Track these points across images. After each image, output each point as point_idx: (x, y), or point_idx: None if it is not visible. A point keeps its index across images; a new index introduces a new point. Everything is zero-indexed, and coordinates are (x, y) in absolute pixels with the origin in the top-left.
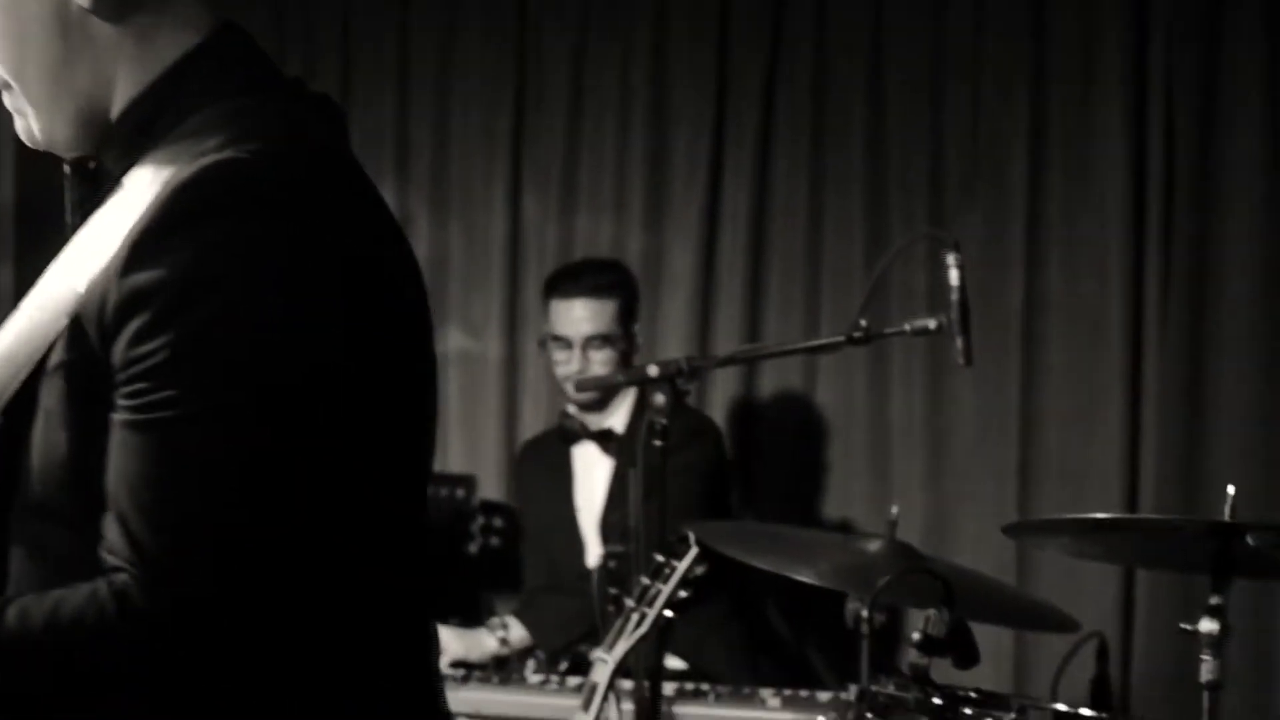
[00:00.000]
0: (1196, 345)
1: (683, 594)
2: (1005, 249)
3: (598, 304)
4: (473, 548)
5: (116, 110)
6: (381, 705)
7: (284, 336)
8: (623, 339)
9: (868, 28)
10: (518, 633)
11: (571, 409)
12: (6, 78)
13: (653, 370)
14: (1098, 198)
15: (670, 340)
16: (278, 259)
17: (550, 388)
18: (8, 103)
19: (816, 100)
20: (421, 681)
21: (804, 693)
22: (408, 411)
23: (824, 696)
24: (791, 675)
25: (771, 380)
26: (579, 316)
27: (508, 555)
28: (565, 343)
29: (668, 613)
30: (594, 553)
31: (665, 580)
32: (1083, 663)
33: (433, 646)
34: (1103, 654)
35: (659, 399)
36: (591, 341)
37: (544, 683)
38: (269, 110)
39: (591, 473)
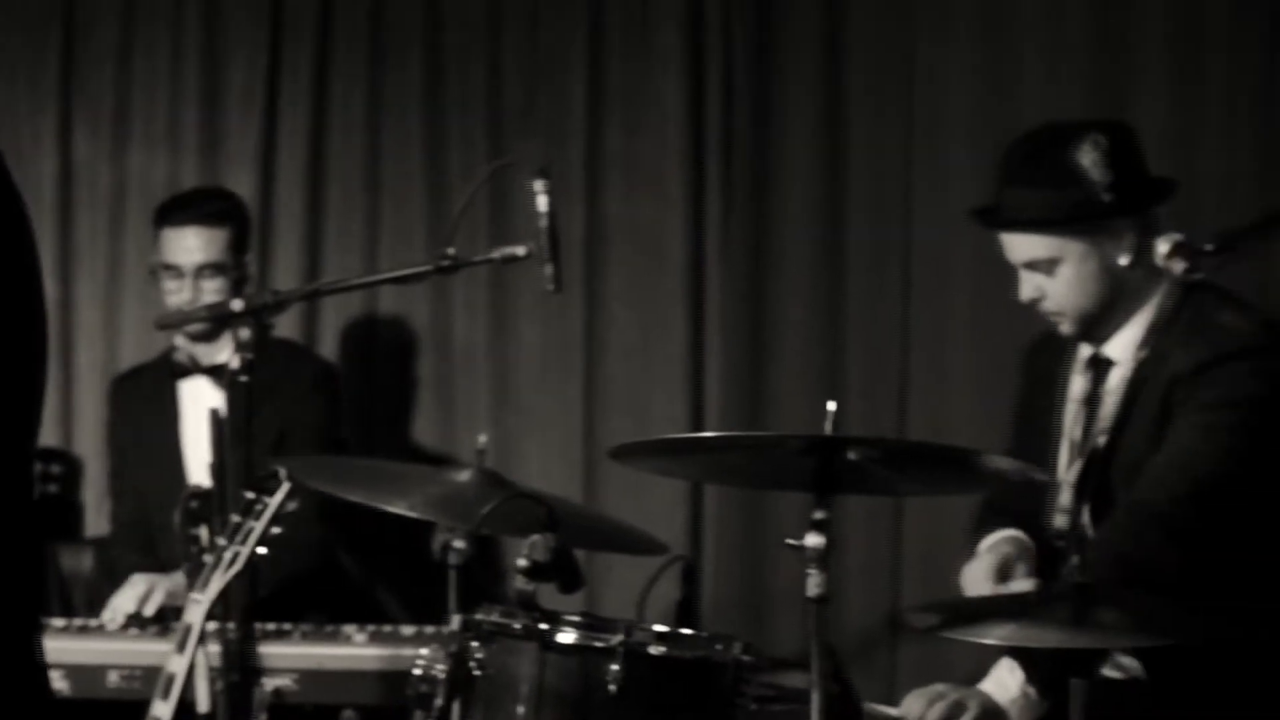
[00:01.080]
0: (758, 266)
1: (275, 530)
2: (564, 175)
3: (209, 232)
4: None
5: None
6: None
7: None
8: (235, 268)
9: None
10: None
11: (180, 341)
12: None
13: (237, 305)
14: (657, 122)
15: None
16: None
17: (106, 329)
18: None
19: (373, 25)
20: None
21: (388, 628)
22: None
23: (408, 631)
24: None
25: (336, 311)
26: (190, 245)
27: (67, 501)
28: (176, 271)
29: (261, 550)
30: None
31: (257, 517)
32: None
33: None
34: (689, 575)
35: (244, 334)
36: (203, 271)
37: (125, 628)
38: None
39: (201, 409)
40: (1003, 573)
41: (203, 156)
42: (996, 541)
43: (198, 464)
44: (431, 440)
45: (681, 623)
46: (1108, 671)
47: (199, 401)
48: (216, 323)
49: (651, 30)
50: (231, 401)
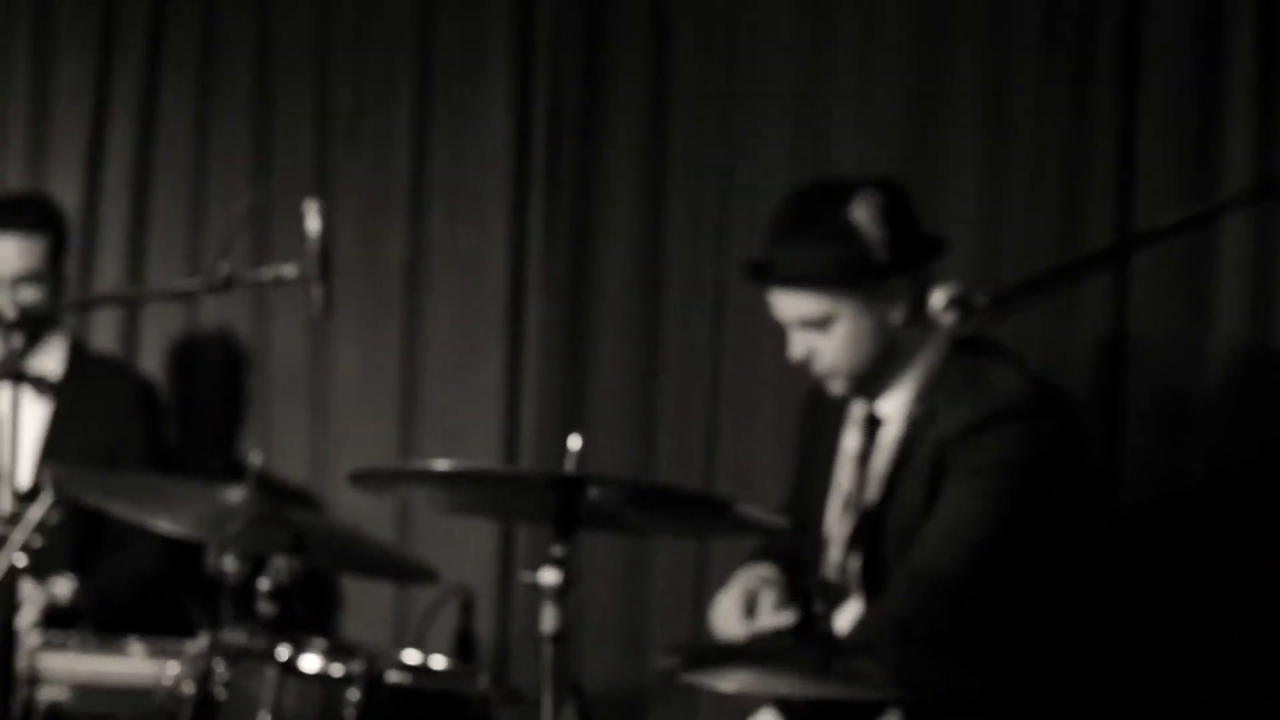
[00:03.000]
0: (578, 294)
1: (35, 541)
2: (388, 196)
3: (27, 241)
4: None
5: None
6: None
7: None
8: (53, 276)
9: None
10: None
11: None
12: None
13: (9, 311)
14: (481, 144)
15: None
16: None
17: None
18: None
19: (202, 35)
20: None
21: (172, 641)
22: None
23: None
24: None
25: (153, 323)
26: (7, 254)
27: None
28: None
29: (19, 561)
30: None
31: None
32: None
33: None
34: (467, 607)
35: (15, 341)
36: (20, 280)
37: None
38: None
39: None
40: (749, 603)
41: (28, 160)
42: (746, 574)
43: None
44: (245, 458)
45: (462, 656)
46: None
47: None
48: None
49: (480, 52)
50: (55, 413)
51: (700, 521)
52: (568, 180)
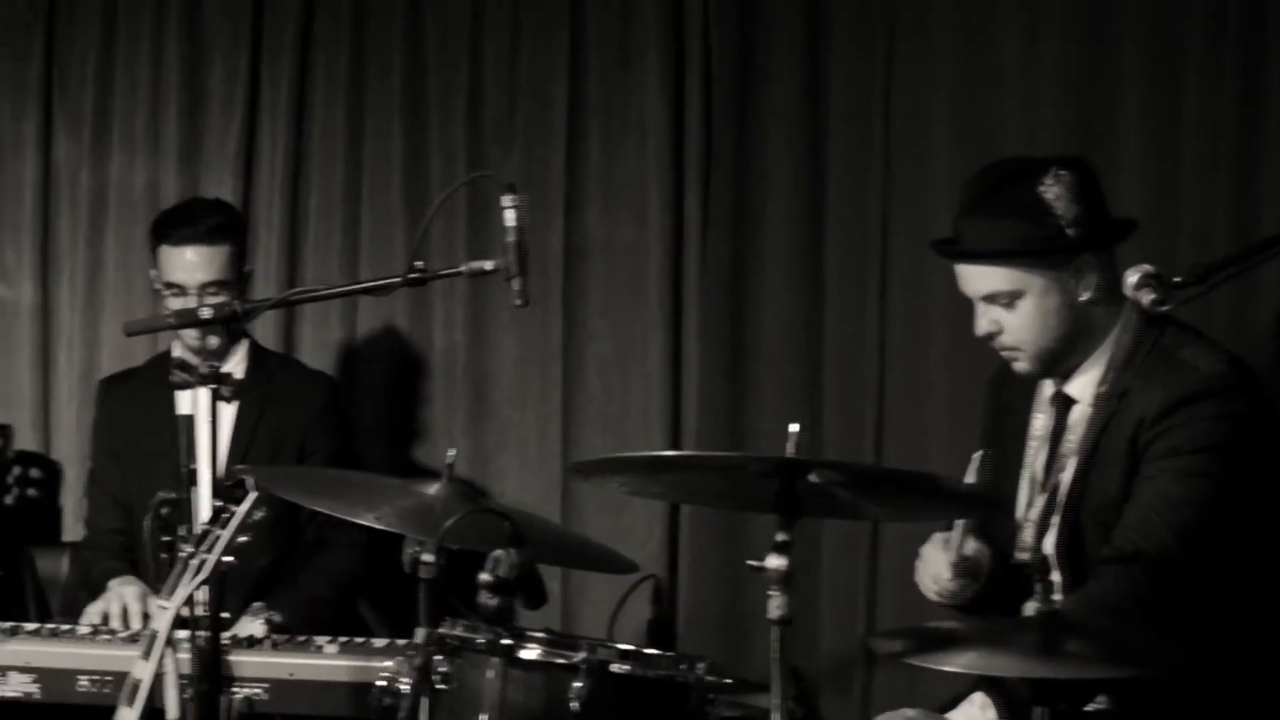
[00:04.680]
0: (736, 284)
1: (242, 539)
2: (545, 191)
3: (211, 249)
4: (9, 499)
5: None
6: None
7: None
8: (237, 283)
9: None
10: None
11: (178, 350)
12: None
13: (205, 313)
14: (637, 140)
15: None
16: None
17: (85, 334)
18: None
19: (354, 34)
20: None
21: (359, 640)
22: None
23: (379, 643)
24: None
25: (313, 322)
26: (193, 263)
27: (46, 506)
28: (180, 290)
29: (227, 559)
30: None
31: (224, 525)
32: (632, 604)
33: None
34: (660, 595)
35: (213, 341)
36: (207, 288)
37: (94, 633)
38: None
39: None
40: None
41: (182, 162)
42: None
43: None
44: (410, 452)
45: (654, 642)
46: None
47: (189, 409)
48: (193, 329)
49: (633, 45)
50: (242, 413)
51: (912, 502)
52: (725, 168)
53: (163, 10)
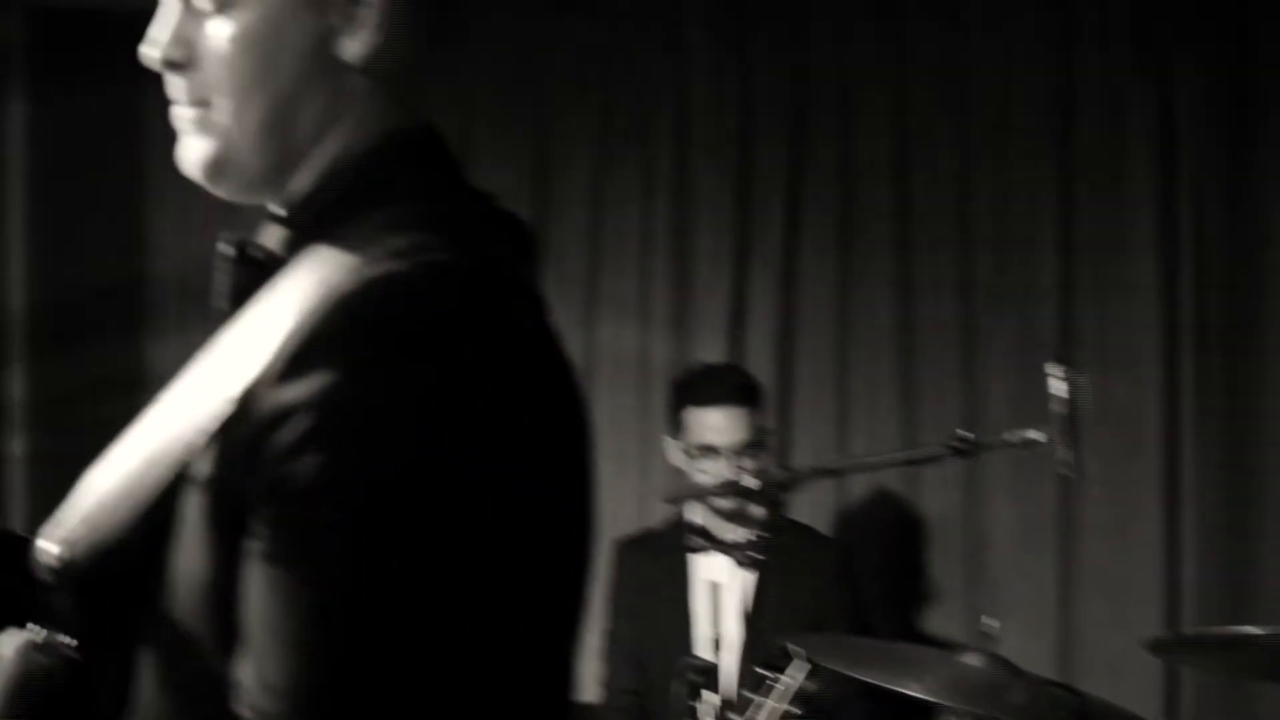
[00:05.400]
0: (1238, 444)
1: (795, 711)
2: (1037, 348)
3: (740, 410)
4: None
5: (309, 172)
6: None
7: (433, 474)
8: (763, 442)
9: (891, 115)
10: None
11: (696, 515)
12: (216, 94)
13: (751, 482)
14: (1128, 299)
15: None
16: (433, 391)
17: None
18: (185, 119)
19: (842, 187)
20: None
21: None
22: (554, 571)
23: None
24: None
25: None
26: (725, 425)
27: None
28: (714, 452)
29: None
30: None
31: (768, 694)
32: None
33: None
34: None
35: (758, 511)
36: (742, 449)
37: None
38: (454, 223)
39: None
40: None
41: (671, 325)
42: None
43: (704, 638)
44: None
45: None
46: None
47: (711, 575)
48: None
49: (1123, 204)
50: (760, 580)
51: None
52: (1218, 326)
53: (652, 167)
